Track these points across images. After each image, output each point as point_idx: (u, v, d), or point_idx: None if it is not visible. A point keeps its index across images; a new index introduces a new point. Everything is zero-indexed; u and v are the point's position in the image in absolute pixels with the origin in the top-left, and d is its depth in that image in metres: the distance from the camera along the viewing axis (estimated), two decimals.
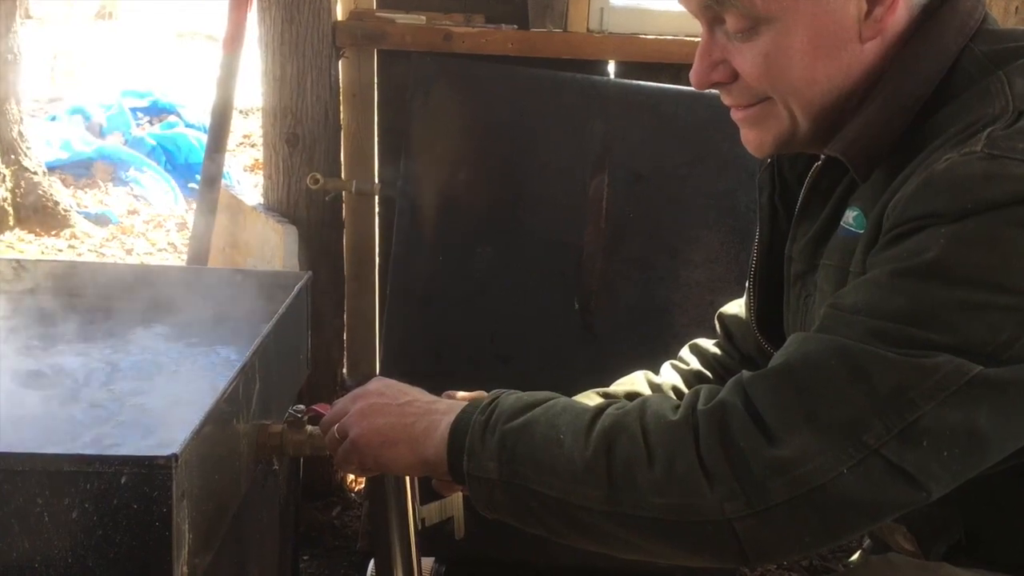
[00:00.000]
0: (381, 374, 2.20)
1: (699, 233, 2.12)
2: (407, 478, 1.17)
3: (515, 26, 2.22)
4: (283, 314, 1.43)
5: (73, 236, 4.46)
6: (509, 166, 2.16)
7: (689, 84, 2.43)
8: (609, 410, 0.90)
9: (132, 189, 5.02)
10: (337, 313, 2.41)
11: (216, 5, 2.20)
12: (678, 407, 0.87)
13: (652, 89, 2.20)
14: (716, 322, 1.29)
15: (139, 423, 1.29)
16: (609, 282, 2.12)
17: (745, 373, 0.86)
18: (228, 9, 2.22)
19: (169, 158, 5.27)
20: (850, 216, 0.93)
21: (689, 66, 2.56)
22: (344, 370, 2.49)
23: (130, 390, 1.39)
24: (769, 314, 1.11)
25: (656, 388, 1.23)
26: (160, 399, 1.36)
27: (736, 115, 0.99)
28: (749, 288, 1.14)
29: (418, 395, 1.05)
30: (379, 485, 1.18)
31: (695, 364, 1.26)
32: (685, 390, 1.21)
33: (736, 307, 1.27)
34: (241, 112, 6.08)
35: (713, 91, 2.53)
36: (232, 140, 6.27)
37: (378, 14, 2.25)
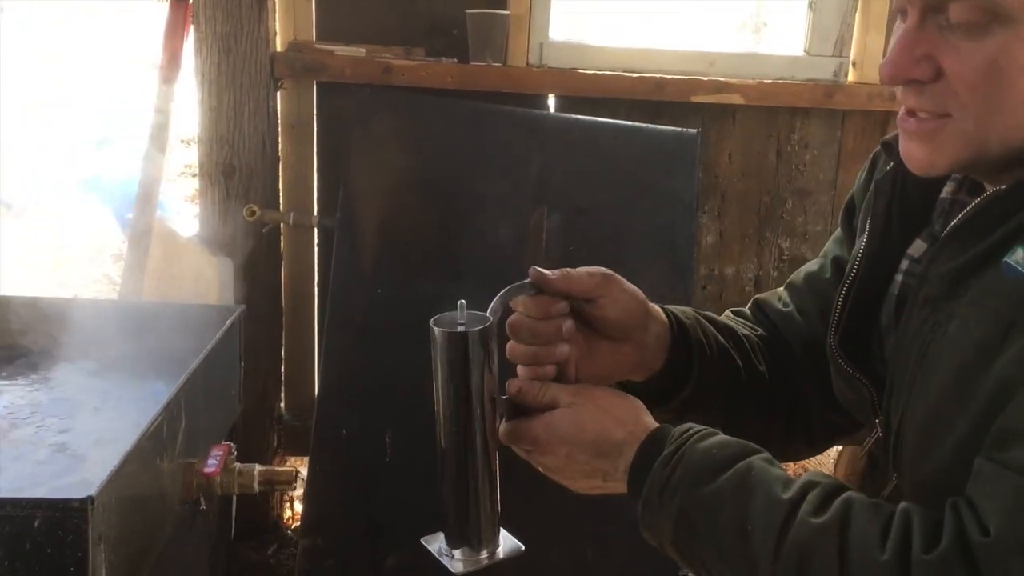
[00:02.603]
0: (319, 407, 2.17)
1: (638, 267, 2.13)
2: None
3: (455, 59, 2.23)
4: (212, 349, 1.40)
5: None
6: (449, 199, 2.15)
7: (627, 119, 2.46)
8: (804, 515, 0.78)
9: (67, 220, 4.91)
10: (274, 346, 2.37)
11: (159, 33, 2.17)
12: (886, 532, 0.75)
13: (590, 123, 2.22)
14: (754, 310, 1.17)
15: (59, 462, 1.25)
16: None
17: (972, 533, 0.73)
18: (163, 38, 2.20)
19: (105, 188, 5.17)
20: None
21: (627, 101, 2.59)
22: (282, 404, 2.44)
23: (52, 428, 1.35)
24: (855, 329, 0.99)
25: (723, 328, 1.10)
26: (83, 437, 1.32)
27: (907, 124, 0.85)
28: (839, 299, 1.00)
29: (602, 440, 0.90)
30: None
31: (745, 329, 1.15)
32: (748, 337, 1.11)
33: (777, 301, 1.16)
34: (183, 141, 5.98)
35: (649, 125, 2.52)
36: (173, 170, 6.18)
37: (317, 46, 2.24)
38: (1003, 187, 0.83)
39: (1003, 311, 0.79)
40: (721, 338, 1.07)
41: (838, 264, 1.11)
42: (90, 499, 0.94)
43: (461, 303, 0.93)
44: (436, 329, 0.91)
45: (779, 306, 1.15)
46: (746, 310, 1.18)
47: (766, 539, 0.78)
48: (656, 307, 1.04)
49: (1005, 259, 0.80)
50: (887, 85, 0.86)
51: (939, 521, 0.76)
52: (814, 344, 1.08)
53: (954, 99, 0.80)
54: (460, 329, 0.91)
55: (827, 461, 2.91)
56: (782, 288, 1.18)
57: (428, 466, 0.97)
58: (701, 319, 1.08)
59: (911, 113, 0.84)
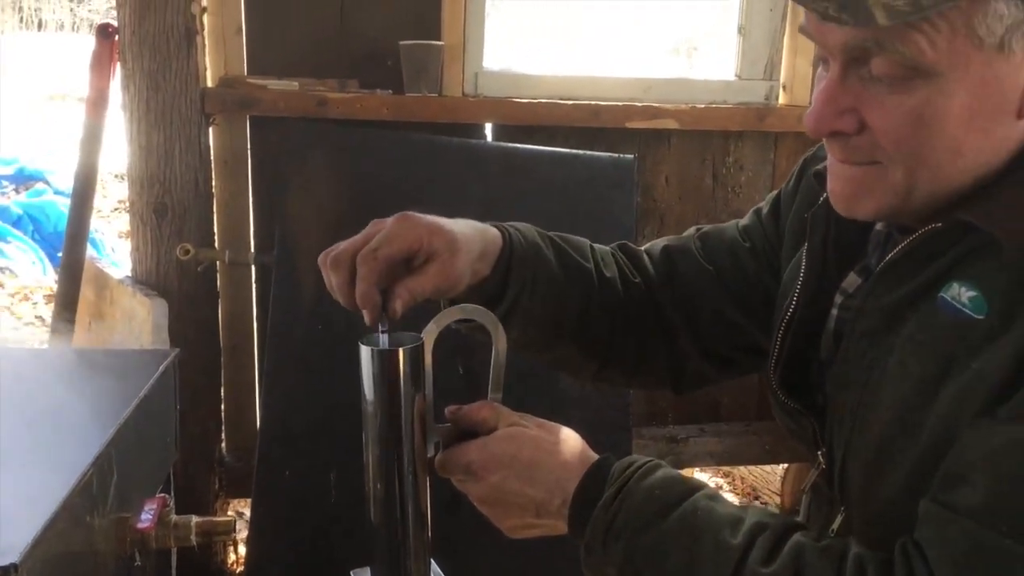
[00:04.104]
0: (260, 447, 2.12)
1: None
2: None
3: (390, 91, 2.22)
4: (145, 397, 1.35)
5: None
6: None
7: (564, 146, 2.46)
8: (754, 563, 0.78)
9: None
10: (214, 387, 2.32)
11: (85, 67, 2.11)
12: None
13: (527, 151, 2.23)
14: (663, 258, 1.14)
15: None
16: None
17: None
18: (89, 73, 2.15)
19: (37, 227, 5.03)
20: (963, 294, 0.78)
21: (563, 128, 2.59)
22: (223, 445, 2.38)
23: None
24: (793, 363, 0.98)
25: (575, 269, 1.09)
26: (9, 496, 1.26)
27: (837, 169, 0.85)
28: (778, 336, 0.99)
29: (543, 476, 0.89)
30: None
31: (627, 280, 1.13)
32: (612, 291, 1.10)
33: (697, 254, 1.13)
34: (117, 176, 5.88)
35: (587, 152, 2.53)
36: (107, 205, 6.05)
37: (249, 80, 2.21)
38: (938, 224, 0.83)
39: (940, 348, 0.79)
40: (563, 278, 1.05)
41: (757, 254, 1.11)
42: (13, 566, 0.89)
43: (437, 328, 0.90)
44: (364, 347, 0.88)
45: (701, 261, 1.13)
46: (656, 252, 1.16)
47: None
48: (495, 248, 1.06)
49: (940, 294, 0.80)
50: (811, 136, 0.83)
51: (891, 565, 0.76)
52: (722, 307, 1.09)
53: (880, 151, 0.80)
54: (389, 346, 0.88)
55: (774, 479, 2.94)
56: (697, 240, 1.15)
57: None
58: (549, 254, 1.07)
59: (844, 162, 0.83)
